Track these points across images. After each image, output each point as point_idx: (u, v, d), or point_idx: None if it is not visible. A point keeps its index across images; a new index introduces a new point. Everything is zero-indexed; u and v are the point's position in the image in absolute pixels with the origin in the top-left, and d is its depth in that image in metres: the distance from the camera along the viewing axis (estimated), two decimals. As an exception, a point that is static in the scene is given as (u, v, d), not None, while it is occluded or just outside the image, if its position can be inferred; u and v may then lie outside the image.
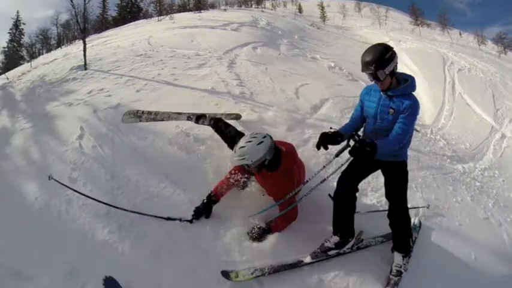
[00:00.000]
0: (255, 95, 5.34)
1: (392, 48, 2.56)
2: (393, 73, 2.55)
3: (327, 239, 2.86)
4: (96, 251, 2.67)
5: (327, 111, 5.28)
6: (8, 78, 7.22)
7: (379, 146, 2.40)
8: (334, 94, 5.93)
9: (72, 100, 4.67)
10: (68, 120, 4.15)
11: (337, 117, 5.07)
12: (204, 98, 4.87)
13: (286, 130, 4.43)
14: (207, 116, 3.71)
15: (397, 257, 2.86)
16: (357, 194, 2.86)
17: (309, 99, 5.52)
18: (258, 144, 2.75)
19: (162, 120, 3.56)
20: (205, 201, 2.98)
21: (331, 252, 2.83)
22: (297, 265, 2.75)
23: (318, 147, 2.71)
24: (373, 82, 2.65)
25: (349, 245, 2.88)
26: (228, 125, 3.60)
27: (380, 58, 2.47)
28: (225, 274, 2.57)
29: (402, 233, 2.86)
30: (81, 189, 3.09)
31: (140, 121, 3.41)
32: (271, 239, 2.88)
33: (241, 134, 3.46)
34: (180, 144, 3.70)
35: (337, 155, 2.73)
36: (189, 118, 3.72)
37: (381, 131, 2.68)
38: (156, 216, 2.88)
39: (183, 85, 5.20)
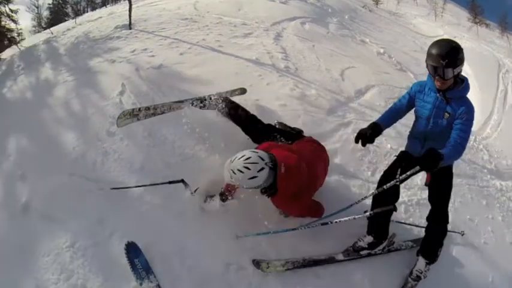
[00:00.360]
0: (299, 70, 5.13)
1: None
2: (457, 75, 2.32)
3: (360, 238, 2.79)
4: (126, 203, 2.71)
5: (371, 98, 5.01)
6: (52, 33, 7.34)
7: (446, 159, 2.18)
8: (380, 82, 5.61)
9: (115, 57, 4.62)
10: (110, 76, 4.13)
11: (380, 106, 4.79)
12: (248, 68, 4.71)
13: (328, 111, 4.28)
14: (212, 98, 3.37)
15: (421, 262, 2.77)
16: (401, 199, 2.77)
17: (354, 83, 5.26)
18: (252, 178, 2.31)
19: (163, 113, 3.14)
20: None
21: (363, 252, 2.79)
22: (329, 261, 2.70)
23: (357, 141, 2.56)
24: (427, 79, 2.47)
25: (381, 247, 2.80)
26: (237, 108, 3.29)
27: (454, 55, 2.23)
28: (256, 264, 2.56)
29: (435, 240, 2.75)
30: (118, 143, 3.11)
31: (138, 119, 2.94)
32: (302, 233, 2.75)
33: (252, 119, 3.21)
34: (220, 110, 3.59)
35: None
36: (193, 104, 3.37)
37: (431, 135, 2.52)
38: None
39: (227, 52, 5.02)
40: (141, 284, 2.37)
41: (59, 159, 3.04)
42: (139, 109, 2.80)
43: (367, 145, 2.66)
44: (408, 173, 2.37)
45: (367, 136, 2.53)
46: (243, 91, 3.86)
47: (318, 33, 7.59)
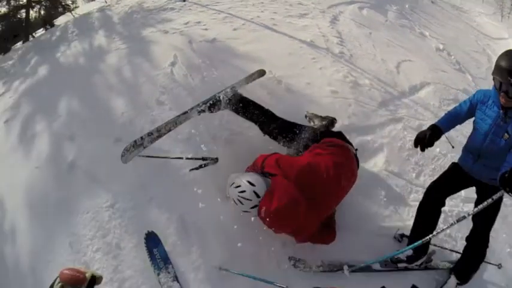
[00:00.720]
0: (354, 58, 4.81)
1: None
2: None
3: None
4: (168, 170, 2.78)
5: (425, 96, 4.64)
6: (106, 2, 7.46)
7: None
8: (437, 80, 5.16)
9: (169, 28, 4.59)
10: (162, 46, 4.11)
11: (434, 106, 4.45)
12: (302, 49, 4.49)
13: (380, 104, 4.05)
14: (221, 99, 2.97)
15: (452, 282, 2.70)
16: (442, 209, 2.64)
17: (409, 78, 4.88)
18: (245, 212, 2.32)
19: (169, 131, 2.83)
20: None
21: (400, 265, 2.74)
22: (365, 270, 2.65)
23: (416, 145, 2.40)
24: (492, 90, 2.22)
25: (418, 262, 2.73)
26: (248, 105, 2.97)
27: None
28: (293, 262, 2.56)
29: (471, 262, 2.66)
30: (167, 112, 3.09)
31: (144, 148, 2.70)
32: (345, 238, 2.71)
33: (266, 116, 2.91)
34: (271, 89, 3.49)
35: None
36: (200, 112, 2.94)
37: (486, 153, 2.33)
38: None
39: (281, 31, 4.81)
40: (158, 275, 2.36)
41: (107, 124, 3.08)
42: (142, 137, 2.62)
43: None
44: (480, 206, 2.21)
45: (426, 138, 2.35)
46: (261, 73, 3.53)
47: (375, 20, 7.14)
